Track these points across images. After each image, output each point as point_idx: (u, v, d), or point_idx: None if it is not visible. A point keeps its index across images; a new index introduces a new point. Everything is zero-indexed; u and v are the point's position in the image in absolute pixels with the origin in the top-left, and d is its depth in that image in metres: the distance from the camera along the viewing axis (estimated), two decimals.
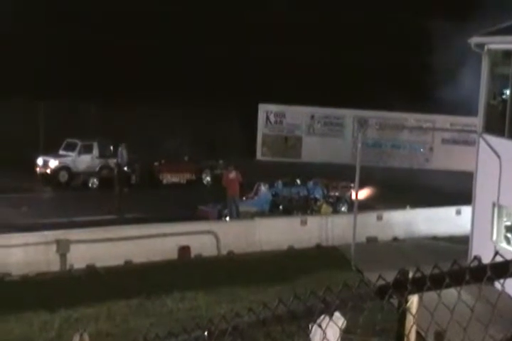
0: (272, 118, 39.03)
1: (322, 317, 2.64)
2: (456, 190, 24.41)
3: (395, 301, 2.48)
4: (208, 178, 30.87)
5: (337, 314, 2.78)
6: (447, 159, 35.79)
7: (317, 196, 25.47)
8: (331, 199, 25.53)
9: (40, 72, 39.07)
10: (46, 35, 40.93)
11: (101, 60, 41.65)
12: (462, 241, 20.22)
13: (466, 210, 21.41)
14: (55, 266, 18.42)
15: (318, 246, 21.80)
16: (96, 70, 40.39)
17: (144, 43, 42.50)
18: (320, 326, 2.94)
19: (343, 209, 25.35)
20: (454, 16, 35.79)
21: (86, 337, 11.46)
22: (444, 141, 37.76)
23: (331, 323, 2.98)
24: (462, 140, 36.61)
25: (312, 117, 38.83)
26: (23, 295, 16.27)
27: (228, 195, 24.09)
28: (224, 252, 20.57)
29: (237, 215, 23.76)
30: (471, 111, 22.31)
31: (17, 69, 37.79)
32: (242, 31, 44.12)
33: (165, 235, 19.94)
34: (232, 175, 24.53)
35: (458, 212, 23.84)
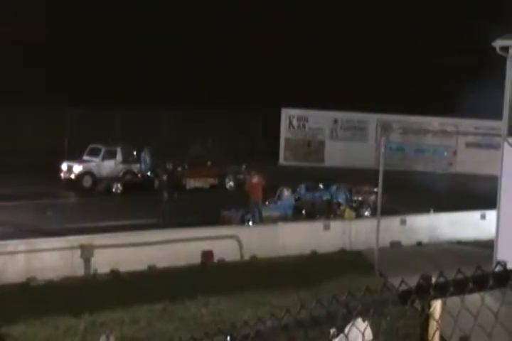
0: (295, 122, 39.00)
1: (352, 322, 2.64)
2: (480, 194, 24.23)
3: (418, 306, 2.46)
4: (231, 183, 30.90)
5: (359, 320, 2.77)
6: (471, 163, 35.54)
7: (340, 200, 25.40)
8: (354, 204, 25.44)
9: (62, 78, 39.39)
10: (68, 43, 41.26)
11: (124, 66, 41.89)
12: (487, 246, 20.05)
13: (491, 214, 21.23)
14: (80, 271, 18.52)
15: (342, 251, 21.73)
16: (119, 77, 40.64)
17: (166, 49, 42.69)
18: (354, 328, 2.93)
19: (366, 213, 25.26)
20: (479, 18, 35.56)
21: (112, 338, 11.53)
22: (469, 145, 37.50)
23: (360, 328, 2.97)
24: (486, 143, 36.33)
25: (335, 121, 38.75)
26: (48, 299, 16.37)
27: (251, 199, 24.12)
28: (247, 257, 20.57)
29: (259, 220, 23.77)
30: (496, 115, 22.14)
31: (41, 77, 38.14)
32: (265, 35, 44.17)
33: (188, 240, 19.99)
34: (255, 179, 24.57)
35: (482, 216, 23.66)
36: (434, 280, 2.40)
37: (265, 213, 24.31)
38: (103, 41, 41.59)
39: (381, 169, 20.25)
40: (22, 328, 14.52)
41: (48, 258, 18.33)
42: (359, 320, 2.68)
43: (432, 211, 24.04)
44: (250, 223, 23.64)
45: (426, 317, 2.45)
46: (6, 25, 39.06)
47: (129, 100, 37.02)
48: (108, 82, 39.74)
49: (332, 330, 8.92)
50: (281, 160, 38.55)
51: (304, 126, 38.95)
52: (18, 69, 37.81)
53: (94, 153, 30.47)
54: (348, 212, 24.60)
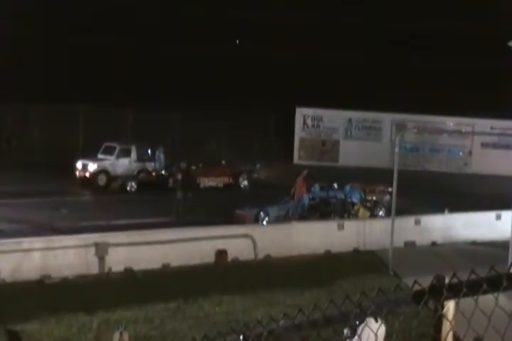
0: (309, 122, 38.96)
1: (367, 321, 2.64)
2: (495, 194, 24.12)
3: (432, 306, 2.46)
4: (245, 182, 30.93)
5: (372, 320, 2.77)
6: (487, 163, 35.39)
7: (354, 200, 25.36)
8: (368, 204, 25.39)
9: (78, 77, 39.55)
10: (82, 41, 41.40)
11: (138, 65, 41.99)
12: (502, 247, 19.95)
13: (507, 215, 21.12)
14: (94, 269, 18.59)
15: (356, 251, 21.68)
16: (134, 76, 40.76)
17: (180, 49, 42.76)
18: (368, 328, 2.93)
19: (380, 213, 25.20)
20: (495, 18, 35.36)
21: (126, 334, 11.55)
22: (484, 145, 37.33)
23: (374, 328, 2.97)
24: (502, 144, 36.17)
25: (350, 121, 38.68)
26: (62, 297, 16.44)
27: (296, 195, 24.64)
28: (261, 256, 20.57)
29: (300, 216, 24.13)
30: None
31: (55, 75, 38.31)
32: (278, 35, 44.16)
33: (202, 239, 20.02)
34: (299, 178, 24.82)
35: (498, 217, 23.53)
36: (447, 280, 2.39)
37: (279, 212, 24.35)
38: (117, 41, 41.71)
39: (395, 169, 20.19)
40: (36, 326, 14.59)
41: (63, 256, 18.41)
42: (372, 321, 2.68)
43: (446, 211, 23.94)
44: (264, 222, 23.69)
45: (439, 318, 2.45)
46: (20, 22, 39.25)
47: (144, 99, 37.12)
48: (122, 81, 39.86)
49: (345, 330, 8.90)
50: (296, 160, 38.52)
51: (318, 126, 38.91)
52: (31, 67, 38.00)
53: (109, 151, 30.58)
54: (362, 212, 24.55)
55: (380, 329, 3.20)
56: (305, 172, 25.47)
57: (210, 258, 19.76)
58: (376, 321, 2.68)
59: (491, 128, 36.15)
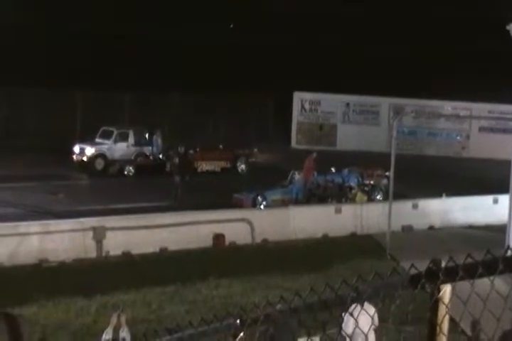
0: (307, 106, 38.87)
1: (354, 306, 2.64)
2: (493, 179, 24.16)
3: (429, 290, 2.46)
4: (243, 166, 30.91)
5: (366, 303, 2.78)
6: (484, 147, 35.38)
7: (352, 184, 25.37)
8: (365, 188, 25.41)
9: (77, 61, 39.42)
10: (82, 26, 41.23)
11: (135, 49, 41.86)
12: (499, 230, 20.01)
13: (504, 199, 21.16)
14: (92, 253, 18.63)
15: (353, 235, 21.74)
16: (132, 59, 40.64)
17: (179, 33, 42.60)
18: (352, 314, 2.94)
19: (378, 197, 25.22)
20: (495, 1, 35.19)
21: (123, 317, 11.60)
22: (482, 129, 37.30)
23: (363, 311, 2.98)
24: (500, 128, 36.14)
25: (347, 105, 38.60)
26: (60, 281, 16.49)
27: (304, 177, 24.75)
28: (258, 240, 20.62)
29: (303, 198, 24.20)
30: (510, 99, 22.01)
31: (54, 59, 38.18)
32: (277, 19, 44.00)
33: (200, 223, 20.04)
34: (307, 161, 25.13)
35: (495, 201, 23.58)
36: (444, 264, 2.39)
37: (277, 196, 24.36)
38: (115, 25, 41.53)
39: (393, 153, 20.18)
40: (34, 309, 14.64)
41: (60, 239, 18.44)
42: (366, 304, 2.68)
43: (444, 195, 23.98)
44: (262, 206, 23.71)
45: (435, 302, 2.45)
46: (18, 8, 39.07)
47: (142, 83, 37.01)
48: (120, 65, 39.72)
49: (344, 314, 8.91)
50: (294, 144, 38.49)
51: (316, 110, 38.82)
52: (29, 51, 37.85)
53: (107, 135, 30.53)
54: (360, 196, 24.57)
55: (366, 316, 3.21)
56: (314, 155, 25.42)
57: (208, 242, 19.80)
58: (361, 306, 2.68)
59: (489, 112, 36.09)
